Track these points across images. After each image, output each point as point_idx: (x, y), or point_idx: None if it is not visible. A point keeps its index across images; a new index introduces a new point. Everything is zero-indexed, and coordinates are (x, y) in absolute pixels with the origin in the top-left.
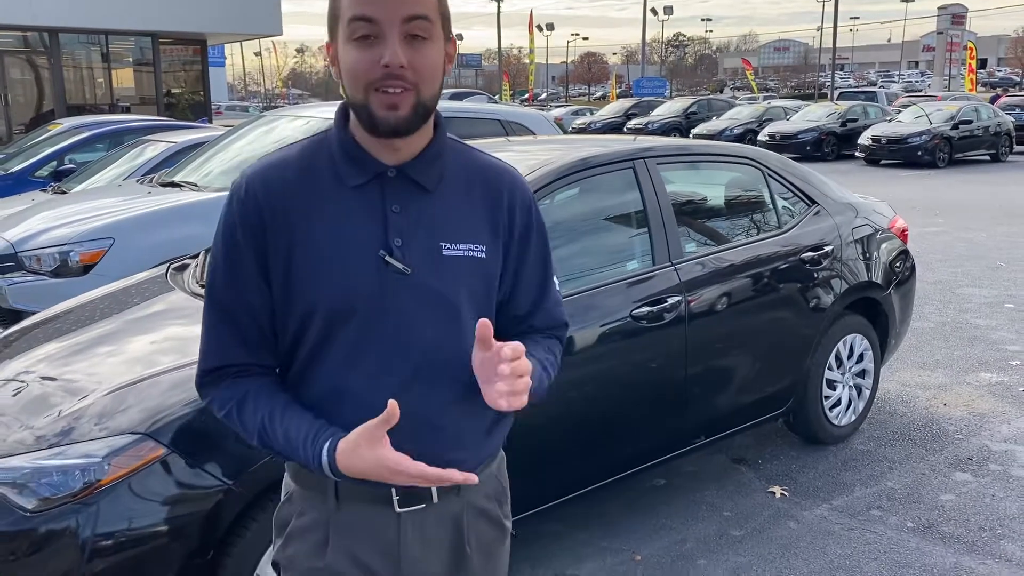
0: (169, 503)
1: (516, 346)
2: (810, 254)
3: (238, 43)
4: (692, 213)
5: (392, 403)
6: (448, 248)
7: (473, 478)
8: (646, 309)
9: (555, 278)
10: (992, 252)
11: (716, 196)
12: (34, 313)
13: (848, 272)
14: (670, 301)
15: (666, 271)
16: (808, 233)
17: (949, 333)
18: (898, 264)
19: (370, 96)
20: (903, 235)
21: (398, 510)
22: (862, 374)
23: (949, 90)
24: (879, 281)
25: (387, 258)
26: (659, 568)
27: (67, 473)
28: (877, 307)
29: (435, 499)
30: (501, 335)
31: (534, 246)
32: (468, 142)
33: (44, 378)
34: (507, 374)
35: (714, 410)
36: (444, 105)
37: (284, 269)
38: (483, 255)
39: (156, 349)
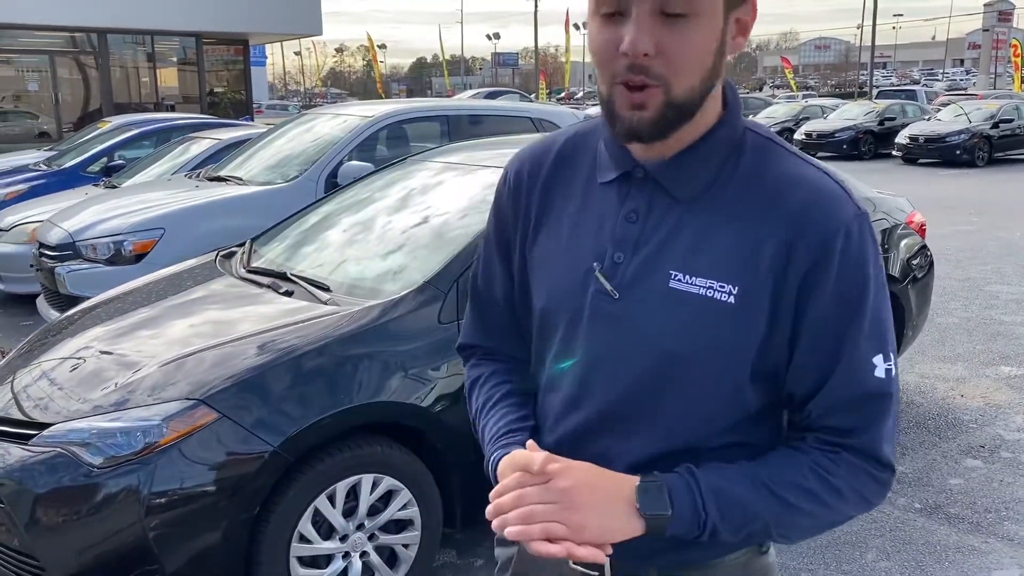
0: (218, 464)
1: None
2: None
3: (279, 43)
4: None
5: (531, 454)
6: (677, 280)
7: (585, 554)
8: None
9: (883, 364)
10: None
11: None
12: (89, 299)
13: None
14: None
15: None
16: None
17: (973, 328)
18: (915, 259)
19: (614, 89)
20: (921, 230)
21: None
22: None
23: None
24: (896, 275)
25: (596, 272)
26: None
27: (129, 434)
28: (894, 300)
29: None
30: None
31: (822, 301)
32: (505, 139)
33: (101, 353)
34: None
35: None
36: (480, 105)
37: (521, 265)
38: (731, 299)
39: (203, 328)
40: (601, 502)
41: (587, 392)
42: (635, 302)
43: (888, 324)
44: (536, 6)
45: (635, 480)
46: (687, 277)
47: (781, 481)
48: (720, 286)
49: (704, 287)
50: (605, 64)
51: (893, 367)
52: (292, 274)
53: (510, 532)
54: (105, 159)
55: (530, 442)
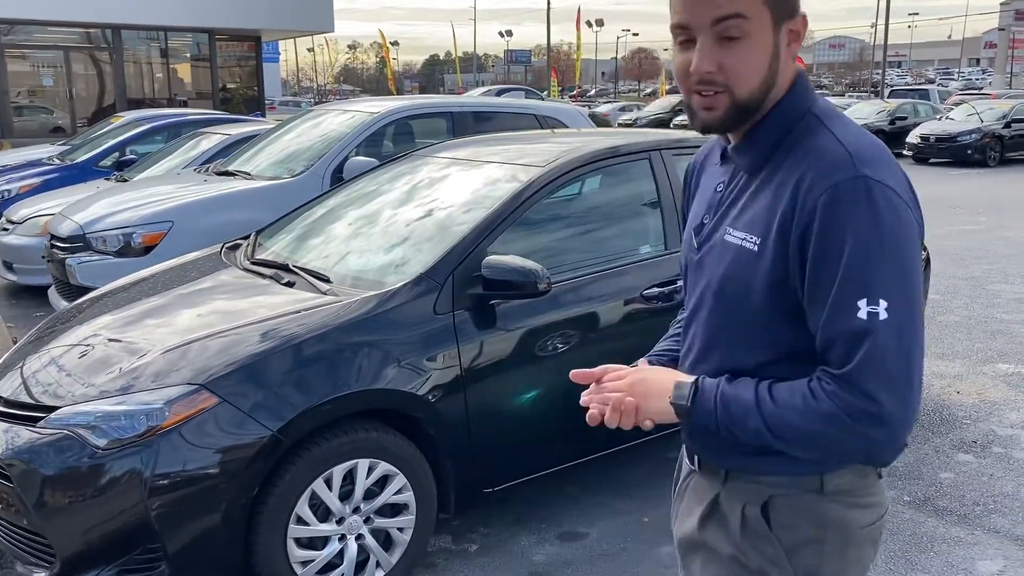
0: (219, 448)
1: (613, 372)
2: None
3: (292, 39)
4: None
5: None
6: (728, 233)
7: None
8: (657, 290)
9: (867, 307)
10: None
11: None
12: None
13: None
14: (680, 283)
15: (677, 256)
16: None
17: (973, 326)
18: None
19: (691, 96)
20: None
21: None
22: None
23: (1011, 88)
24: None
25: (692, 234)
26: (664, 528)
27: (133, 417)
28: None
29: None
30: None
31: (813, 251)
32: (507, 135)
33: (109, 340)
34: (595, 396)
35: None
36: (485, 102)
37: None
38: (754, 247)
39: (207, 318)
40: (650, 390)
41: (689, 326)
42: (706, 253)
43: (873, 273)
44: (548, 4)
45: (679, 378)
46: (733, 231)
47: (778, 394)
48: (750, 237)
49: (740, 238)
50: (682, 79)
51: (883, 312)
52: (294, 266)
53: (583, 402)
54: (117, 154)
55: (641, 360)
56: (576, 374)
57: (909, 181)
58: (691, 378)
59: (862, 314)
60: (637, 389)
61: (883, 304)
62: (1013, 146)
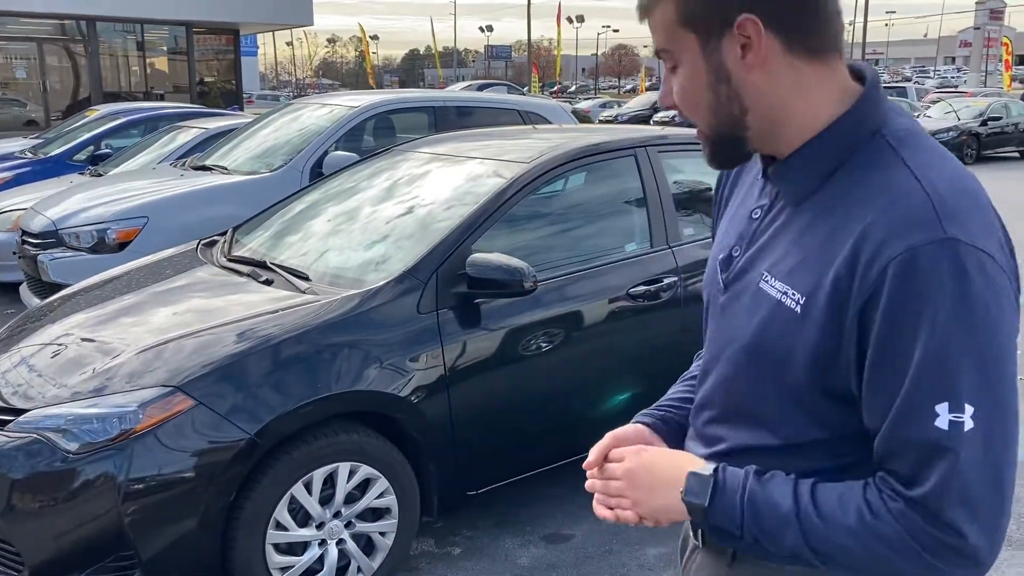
0: (195, 451)
1: (617, 452)
2: None
3: (270, 33)
4: (693, 199)
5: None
6: (766, 280)
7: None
8: (643, 288)
9: (948, 415)
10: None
11: None
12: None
13: None
14: (666, 282)
15: (663, 253)
16: None
17: None
18: None
19: None
20: None
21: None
22: None
23: (985, 86)
24: None
25: (719, 268)
26: (648, 530)
27: (105, 420)
28: None
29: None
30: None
31: (879, 330)
32: (491, 130)
33: (82, 340)
34: (597, 483)
35: None
36: (467, 96)
37: None
38: (797, 308)
39: (182, 316)
40: (657, 483)
41: (707, 377)
42: (733, 297)
43: (959, 371)
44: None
45: (693, 467)
46: (772, 280)
47: (824, 504)
48: (792, 293)
49: (780, 291)
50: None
51: (969, 420)
52: (272, 263)
53: (587, 486)
54: (92, 147)
55: (637, 426)
56: (587, 464)
57: (1005, 229)
58: (708, 467)
59: (942, 422)
60: (637, 479)
61: (969, 411)
62: (989, 144)
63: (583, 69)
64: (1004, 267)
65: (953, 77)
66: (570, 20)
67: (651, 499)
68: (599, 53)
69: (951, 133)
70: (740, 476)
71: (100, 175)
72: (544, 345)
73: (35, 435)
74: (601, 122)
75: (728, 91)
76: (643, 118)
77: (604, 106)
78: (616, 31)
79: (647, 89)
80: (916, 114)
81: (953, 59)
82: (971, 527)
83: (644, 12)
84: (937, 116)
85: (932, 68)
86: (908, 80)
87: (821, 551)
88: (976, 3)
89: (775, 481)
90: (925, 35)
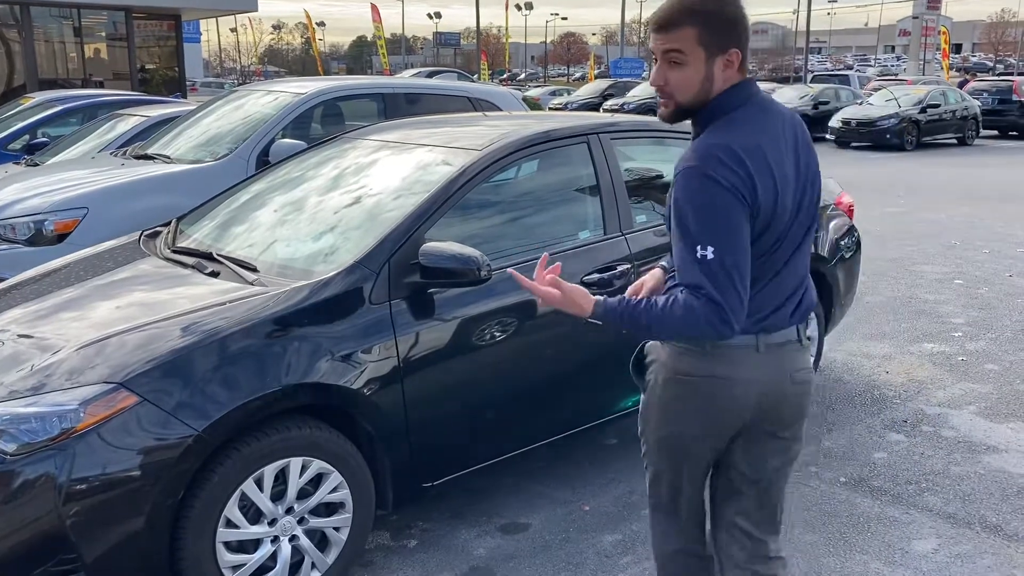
0: (140, 449)
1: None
2: None
3: (213, 19)
4: (645, 186)
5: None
6: None
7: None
8: (596, 276)
9: (699, 251)
10: (949, 231)
11: (670, 170)
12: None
13: None
14: (620, 268)
15: (616, 240)
16: None
17: (899, 307)
18: (843, 239)
19: (657, 98)
20: (849, 211)
21: None
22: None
23: (924, 74)
24: (824, 254)
25: None
26: (605, 516)
27: (45, 419)
28: (822, 279)
29: None
30: None
31: (671, 209)
32: (441, 117)
33: (19, 336)
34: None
35: None
36: (417, 83)
37: None
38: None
39: (125, 311)
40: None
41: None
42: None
43: (692, 229)
44: None
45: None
46: None
47: (657, 302)
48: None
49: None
50: (654, 86)
51: (706, 252)
52: (218, 255)
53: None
54: (27, 136)
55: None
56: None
57: (730, 164)
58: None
59: (698, 255)
60: (568, 301)
61: (705, 248)
62: (929, 131)
63: (532, 57)
64: (721, 181)
65: (893, 65)
66: (519, 7)
67: (569, 309)
68: (548, 41)
69: (892, 120)
70: (615, 300)
71: (36, 165)
72: (498, 335)
73: None
74: (551, 110)
75: (709, 86)
76: (593, 106)
77: (554, 94)
78: (565, 19)
79: (596, 77)
80: (859, 101)
81: (893, 48)
82: (696, 280)
83: (668, 26)
84: (879, 104)
85: (873, 56)
86: (850, 68)
87: (655, 327)
88: None
89: (623, 300)
90: (866, 24)
